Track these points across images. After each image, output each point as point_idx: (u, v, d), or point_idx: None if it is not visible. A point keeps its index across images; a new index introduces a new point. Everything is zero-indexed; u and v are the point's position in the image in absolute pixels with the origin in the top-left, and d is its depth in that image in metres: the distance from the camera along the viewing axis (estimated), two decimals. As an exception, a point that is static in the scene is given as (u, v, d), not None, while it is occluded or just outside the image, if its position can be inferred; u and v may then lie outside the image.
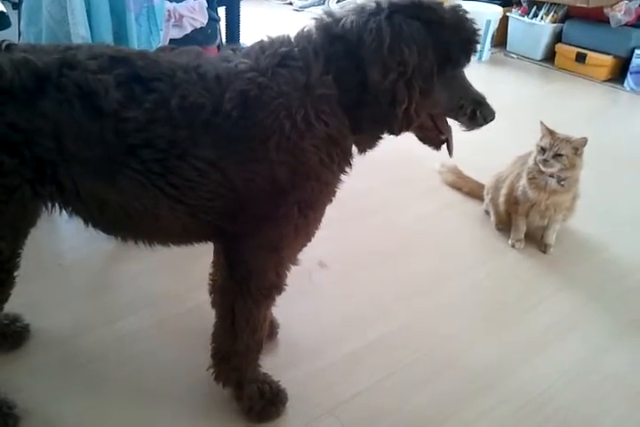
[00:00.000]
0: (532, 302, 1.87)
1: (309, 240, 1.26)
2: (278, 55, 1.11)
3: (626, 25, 3.74)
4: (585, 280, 1.98)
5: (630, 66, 3.76)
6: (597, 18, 3.81)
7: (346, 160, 1.20)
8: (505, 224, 2.19)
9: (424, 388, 1.52)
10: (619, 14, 3.69)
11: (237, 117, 1.07)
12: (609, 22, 3.74)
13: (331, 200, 1.25)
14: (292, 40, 1.15)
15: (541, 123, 2.00)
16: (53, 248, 1.98)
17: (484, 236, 2.20)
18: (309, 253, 1.31)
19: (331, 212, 1.26)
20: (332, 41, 1.12)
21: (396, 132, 1.19)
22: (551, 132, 1.96)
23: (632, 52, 3.74)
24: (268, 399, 1.38)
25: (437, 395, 1.50)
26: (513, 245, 2.12)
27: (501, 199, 2.16)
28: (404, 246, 1.97)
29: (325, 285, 1.86)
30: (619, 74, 3.91)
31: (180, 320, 1.67)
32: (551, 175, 1.98)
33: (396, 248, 2.08)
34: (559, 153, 1.92)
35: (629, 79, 3.79)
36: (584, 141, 1.93)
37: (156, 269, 1.84)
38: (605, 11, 3.75)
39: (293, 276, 1.31)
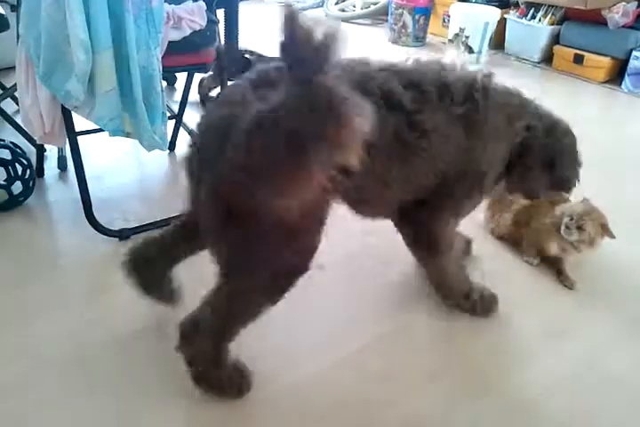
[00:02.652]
0: (532, 302, 1.87)
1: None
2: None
3: (623, 27, 3.75)
4: (585, 280, 1.98)
5: (628, 67, 3.77)
6: (595, 20, 3.82)
7: None
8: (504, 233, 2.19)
9: (423, 390, 1.52)
10: (616, 16, 3.70)
11: (476, 116, 1.47)
12: (606, 24, 3.75)
13: None
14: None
15: (584, 199, 1.99)
16: (51, 249, 1.97)
17: (483, 237, 2.20)
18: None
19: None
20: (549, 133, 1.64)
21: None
22: (585, 206, 1.97)
23: (630, 53, 3.75)
24: None
25: (435, 396, 1.51)
26: (532, 263, 2.06)
27: (507, 228, 2.16)
28: (404, 249, 1.95)
29: (325, 287, 1.86)
30: (616, 75, 3.92)
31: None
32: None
33: (395, 250, 2.07)
34: (581, 226, 1.92)
35: (627, 81, 3.81)
36: (608, 232, 1.94)
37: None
38: (603, 12, 3.75)
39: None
